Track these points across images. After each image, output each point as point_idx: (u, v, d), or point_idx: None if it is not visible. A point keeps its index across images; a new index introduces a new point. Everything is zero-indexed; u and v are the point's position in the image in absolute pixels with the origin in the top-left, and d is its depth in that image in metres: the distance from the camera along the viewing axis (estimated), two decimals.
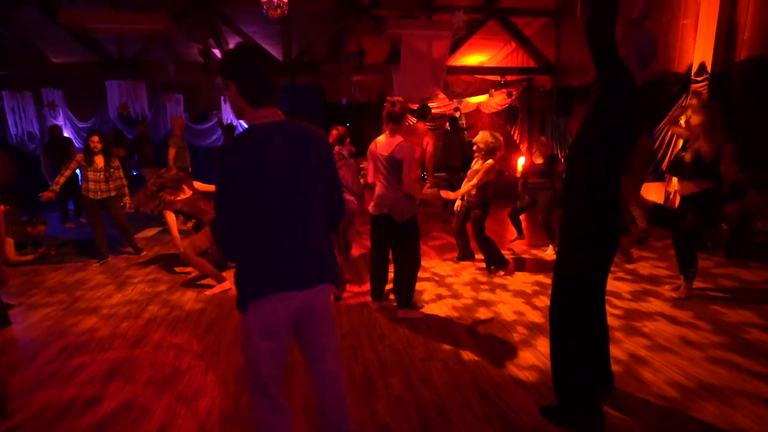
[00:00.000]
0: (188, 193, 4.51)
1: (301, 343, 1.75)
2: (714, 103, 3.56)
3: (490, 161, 4.21)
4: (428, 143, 5.78)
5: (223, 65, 1.55)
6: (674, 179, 3.84)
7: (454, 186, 6.82)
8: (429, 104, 9.97)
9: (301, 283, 1.58)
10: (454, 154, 7.43)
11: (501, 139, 4.29)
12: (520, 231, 5.41)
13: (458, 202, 4.56)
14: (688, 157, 3.54)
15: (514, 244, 5.48)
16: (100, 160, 4.92)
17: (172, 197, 4.44)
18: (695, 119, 3.50)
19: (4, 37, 8.52)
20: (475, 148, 4.30)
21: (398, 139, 3.22)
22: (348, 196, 3.78)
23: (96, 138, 4.90)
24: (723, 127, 3.43)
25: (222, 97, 11.07)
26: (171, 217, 4.49)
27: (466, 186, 4.32)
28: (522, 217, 5.69)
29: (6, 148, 9.53)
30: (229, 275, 4.58)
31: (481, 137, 4.28)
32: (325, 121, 9.91)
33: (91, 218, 5.06)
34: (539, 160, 5.02)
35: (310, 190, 1.58)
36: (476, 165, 4.32)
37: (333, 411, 1.81)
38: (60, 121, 10.17)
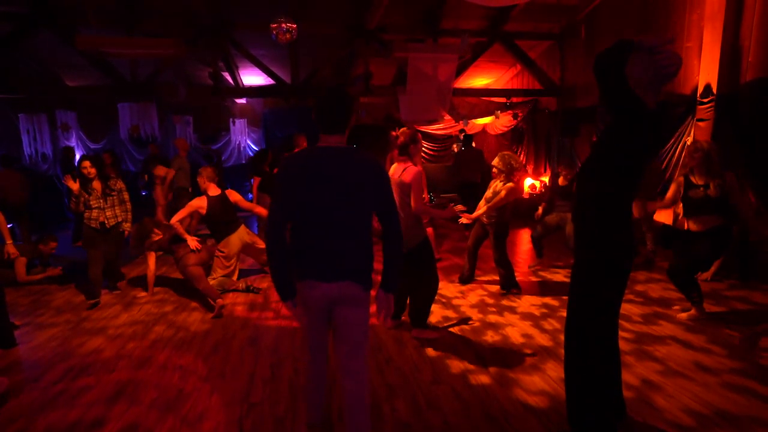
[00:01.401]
0: (159, 235, 4.55)
1: (333, 331, 2.04)
2: (703, 141, 3.61)
3: (511, 183, 4.25)
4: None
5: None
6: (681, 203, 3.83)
7: (471, 207, 6.82)
8: (435, 126, 10.09)
9: (327, 277, 1.90)
10: (473, 171, 7.48)
11: (522, 161, 4.35)
12: (540, 254, 5.38)
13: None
14: (697, 194, 3.56)
15: (535, 267, 5.39)
16: (97, 186, 4.47)
17: (154, 238, 4.53)
18: (690, 161, 3.58)
19: (23, 62, 8.79)
20: (495, 170, 4.33)
21: (406, 164, 3.37)
22: None
23: (87, 163, 4.40)
24: (718, 162, 3.46)
25: (230, 120, 11.25)
26: (152, 258, 4.62)
27: (483, 208, 4.32)
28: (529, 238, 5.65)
29: (20, 168, 9.76)
30: (231, 296, 4.58)
31: (501, 158, 4.31)
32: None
33: (90, 252, 4.48)
34: (564, 182, 5.06)
35: (347, 206, 1.87)
36: (496, 187, 4.31)
37: (349, 410, 1.96)
38: (72, 142, 10.39)
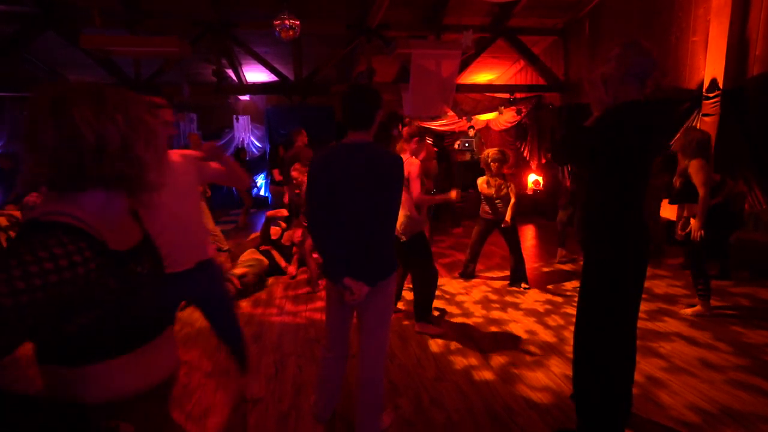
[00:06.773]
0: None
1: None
2: (693, 127, 3.69)
3: (511, 183, 4.46)
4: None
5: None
6: None
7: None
8: (439, 122, 10.06)
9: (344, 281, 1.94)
10: None
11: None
12: (563, 243, 5.41)
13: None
14: (677, 182, 3.70)
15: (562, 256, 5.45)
16: None
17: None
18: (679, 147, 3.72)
19: (28, 61, 8.82)
20: (495, 165, 4.39)
21: (405, 156, 3.44)
22: None
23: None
24: (698, 147, 3.52)
25: (234, 117, 11.27)
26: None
27: (510, 210, 4.40)
28: (535, 233, 5.63)
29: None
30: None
31: (496, 151, 4.44)
32: (334, 140, 10.03)
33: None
34: None
35: (364, 203, 1.90)
36: (502, 186, 4.43)
37: (358, 393, 2.09)
38: None
